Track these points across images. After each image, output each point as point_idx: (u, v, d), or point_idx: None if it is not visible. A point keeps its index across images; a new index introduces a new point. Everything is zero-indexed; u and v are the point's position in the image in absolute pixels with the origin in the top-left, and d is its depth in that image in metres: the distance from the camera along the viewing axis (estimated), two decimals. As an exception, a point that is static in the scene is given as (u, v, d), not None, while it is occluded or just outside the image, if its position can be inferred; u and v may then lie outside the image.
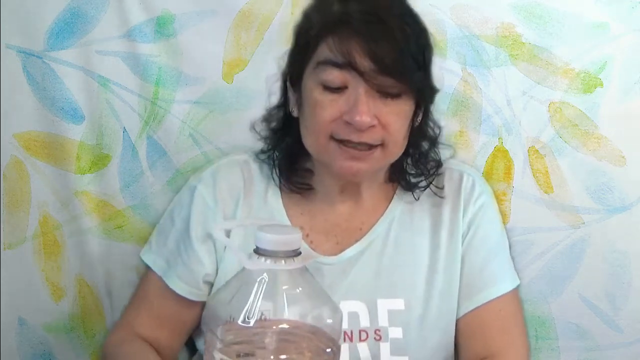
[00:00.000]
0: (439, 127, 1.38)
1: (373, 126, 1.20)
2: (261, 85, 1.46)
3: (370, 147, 1.22)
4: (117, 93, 1.46)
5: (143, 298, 1.39)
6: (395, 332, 1.29)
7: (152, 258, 1.38)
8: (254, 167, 1.38)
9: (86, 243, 1.49)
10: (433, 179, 1.35)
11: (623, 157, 1.41)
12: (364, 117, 1.18)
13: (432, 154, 1.37)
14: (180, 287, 1.33)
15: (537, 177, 1.44)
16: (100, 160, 1.48)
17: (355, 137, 1.20)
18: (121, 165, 1.48)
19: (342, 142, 1.21)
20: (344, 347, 1.28)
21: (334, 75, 1.20)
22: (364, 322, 1.29)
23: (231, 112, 1.47)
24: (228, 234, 1.31)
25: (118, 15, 1.43)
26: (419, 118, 1.30)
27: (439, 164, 1.37)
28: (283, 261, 0.88)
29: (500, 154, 1.45)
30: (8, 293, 1.49)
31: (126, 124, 1.47)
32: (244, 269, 0.89)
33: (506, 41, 1.42)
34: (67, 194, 1.48)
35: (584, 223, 1.43)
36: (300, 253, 0.89)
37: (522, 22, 1.42)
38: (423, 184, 1.35)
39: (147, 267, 1.39)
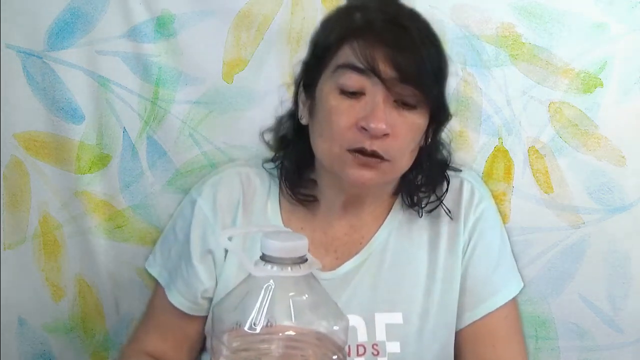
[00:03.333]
0: (450, 153, 1.37)
1: (387, 135, 1.18)
2: (261, 85, 1.46)
3: (379, 158, 1.20)
4: (117, 93, 1.45)
5: (150, 311, 1.39)
6: (393, 347, 1.28)
7: (157, 270, 1.39)
8: (255, 179, 1.36)
9: (86, 243, 1.50)
10: (440, 203, 1.33)
11: (623, 157, 1.41)
12: (380, 124, 1.16)
13: (440, 177, 1.34)
14: (179, 302, 1.33)
15: (537, 177, 1.44)
16: (100, 160, 1.48)
17: (368, 145, 1.18)
18: (121, 165, 1.48)
19: (355, 152, 1.19)
20: None
21: (353, 80, 1.19)
22: (362, 337, 1.28)
23: (231, 112, 1.47)
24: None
25: (118, 15, 1.43)
26: (429, 138, 1.28)
27: (447, 186, 1.34)
28: (289, 268, 0.88)
29: (500, 154, 1.45)
30: (8, 293, 1.49)
31: (126, 124, 1.47)
32: (250, 275, 0.89)
33: (506, 41, 1.42)
34: (67, 194, 1.48)
35: (584, 223, 1.43)
36: (306, 260, 0.89)
37: (522, 22, 1.41)
38: (428, 203, 1.33)
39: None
